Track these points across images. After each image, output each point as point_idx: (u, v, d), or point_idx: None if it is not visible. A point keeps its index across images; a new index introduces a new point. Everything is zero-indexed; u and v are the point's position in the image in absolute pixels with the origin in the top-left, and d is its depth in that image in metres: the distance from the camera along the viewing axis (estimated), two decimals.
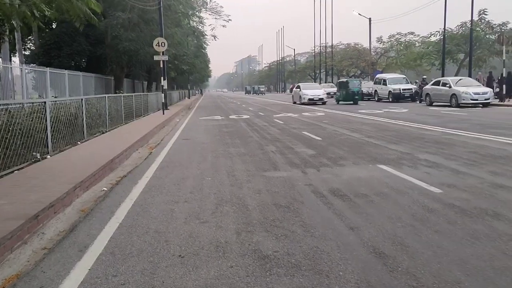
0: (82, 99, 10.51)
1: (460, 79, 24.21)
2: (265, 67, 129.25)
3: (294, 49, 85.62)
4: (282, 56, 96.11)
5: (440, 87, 23.68)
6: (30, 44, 32.92)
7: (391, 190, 5.54)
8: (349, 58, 55.02)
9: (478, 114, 17.58)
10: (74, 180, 5.72)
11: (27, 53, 31.97)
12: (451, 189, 5.47)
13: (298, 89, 33.04)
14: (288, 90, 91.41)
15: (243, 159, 8.28)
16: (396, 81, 30.63)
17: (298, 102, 31.79)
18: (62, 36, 28.50)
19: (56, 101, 9.57)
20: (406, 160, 7.61)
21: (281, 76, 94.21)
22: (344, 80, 34.51)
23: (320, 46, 62.45)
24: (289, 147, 9.83)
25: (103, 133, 12.09)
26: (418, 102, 27.76)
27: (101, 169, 6.89)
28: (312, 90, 32.08)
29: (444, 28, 29.18)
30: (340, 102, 31.44)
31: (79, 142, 10.01)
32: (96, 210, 4.96)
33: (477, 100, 21.27)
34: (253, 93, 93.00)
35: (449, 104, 22.60)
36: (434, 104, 24.61)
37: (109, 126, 13.21)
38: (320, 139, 11.09)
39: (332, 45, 58.22)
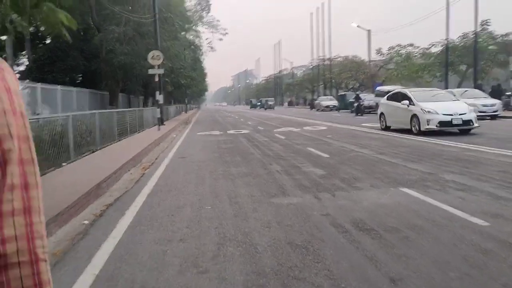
0: (69, 116, 9.64)
1: (466, 91, 23.47)
2: (262, 80, 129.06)
3: (292, 62, 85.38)
4: (280, 69, 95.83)
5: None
6: (24, 59, 32.21)
7: (425, 221, 4.65)
8: (348, 71, 54.47)
9: (489, 128, 16.77)
10: (49, 213, 4.81)
11: (21, 68, 31.27)
12: (498, 220, 4.59)
13: (404, 103, 15.42)
14: (285, 104, 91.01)
15: (246, 181, 7.39)
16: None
17: (415, 129, 14.72)
18: (56, 51, 27.79)
19: (38, 119, 8.70)
20: (431, 181, 6.74)
21: (279, 89, 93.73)
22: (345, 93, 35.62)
23: (318, 59, 62.07)
24: (295, 165, 8.95)
25: (93, 151, 11.19)
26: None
27: (85, 197, 5.99)
28: (441, 103, 14.89)
29: (447, 38, 28.53)
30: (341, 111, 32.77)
31: (64, 164, 9.10)
32: (71, 254, 4.04)
33: (485, 112, 20.49)
34: (260, 108, 75.75)
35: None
36: None
37: (101, 143, 12.33)
38: (328, 156, 10.23)
39: (330, 58, 57.78)
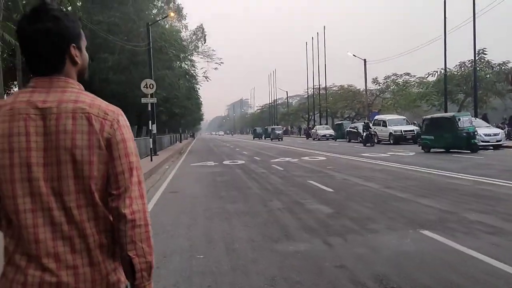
0: None
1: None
2: (257, 110, 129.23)
3: (287, 92, 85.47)
4: (275, 98, 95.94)
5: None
6: (15, 89, 31.58)
7: (463, 277, 3.85)
8: (344, 100, 54.29)
9: (495, 158, 16.13)
10: None
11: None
12: None
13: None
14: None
15: (244, 221, 6.57)
16: (396, 123, 29.45)
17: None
18: None
19: None
20: (453, 222, 5.95)
21: (274, 119, 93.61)
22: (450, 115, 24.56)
23: (313, 88, 61.98)
24: (297, 202, 8.16)
25: None
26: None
27: None
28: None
29: (445, 67, 28.30)
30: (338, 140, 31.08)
31: None
32: None
33: (488, 142, 19.90)
34: (265, 137, 59.86)
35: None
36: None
37: None
38: (332, 190, 9.45)
39: (326, 87, 57.73)
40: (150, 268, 1.33)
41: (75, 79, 1.39)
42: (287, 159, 19.90)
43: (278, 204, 8.03)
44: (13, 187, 1.25)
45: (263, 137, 63.76)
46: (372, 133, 28.91)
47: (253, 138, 59.50)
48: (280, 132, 53.85)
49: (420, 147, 21.18)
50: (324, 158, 19.41)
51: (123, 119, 1.36)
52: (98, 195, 1.30)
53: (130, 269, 1.30)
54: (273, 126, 61.83)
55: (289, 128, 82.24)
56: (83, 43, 1.41)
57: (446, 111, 28.51)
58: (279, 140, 49.54)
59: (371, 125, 29.99)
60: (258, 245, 5.19)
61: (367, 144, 28.02)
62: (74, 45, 1.35)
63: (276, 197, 8.81)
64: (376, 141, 31.40)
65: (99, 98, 1.38)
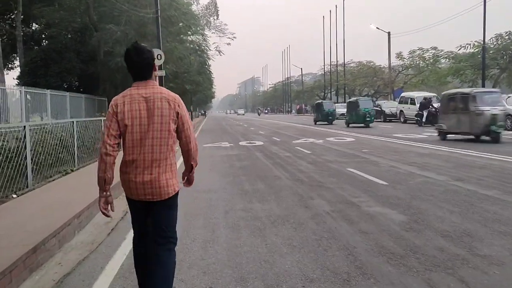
0: (24, 127, 6.85)
1: (509, 97, 20.48)
2: (269, 87, 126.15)
3: (302, 69, 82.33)
4: (288, 75, 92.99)
5: None
6: (16, 62, 29.64)
7: None
8: (363, 77, 51.44)
9: None
10: None
11: (16, 73, 28.70)
12: None
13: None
14: (294, 111, 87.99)
15: (286, 237, 4.54)
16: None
17: None
18: (50, 52, 25.22)
19: None
20: None
21: (288, 96, 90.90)
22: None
23: (330, 65, 59.14)
24: (348, 201, 6.10)
25: (66, 174, 8.41)
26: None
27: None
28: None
29: (484, 36, 25.44)
30: (350, 125, 27.65)
31: (14, 196, 6.32)
32: None
33: None
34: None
35: None
36: None
37: (80, 162, 9.56)
38: (386, 183, 7.37)
39: (344, 63, 54.82)
40: (196, 165, 2.98)
41: (154, 81, 2.87)
42: (310, 140, 17.77)
43: (323, 204, 5.98)
44: (132, 133, 2.71)
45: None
46: (435, 110, 23.39)
47: (316, 122, 33.89)
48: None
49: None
50: (352, 139, 17.24)
51: (182, 102, 2.89)
52: (169, 140, 2.76)
53: (190, 168, 2.98)
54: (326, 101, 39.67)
55: (303, 107, 79.70)
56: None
57: (483, 87, 25.91)
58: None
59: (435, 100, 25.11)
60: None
61: (424, 124, 24.07)
62: (154, 64, 2.84)
63: (317, 193, 6.76)
64: (402, 120, 29.05)
65: (167, 90, 2.87)
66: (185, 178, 3.03)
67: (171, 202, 2.85)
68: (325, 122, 32.68)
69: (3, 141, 6.68)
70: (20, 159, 6.72)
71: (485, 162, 9.56)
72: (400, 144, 14.57)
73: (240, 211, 5.74)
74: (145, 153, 2.69)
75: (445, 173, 8.18)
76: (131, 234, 4.81)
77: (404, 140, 15.74)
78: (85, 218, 5.35)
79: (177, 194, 2.86)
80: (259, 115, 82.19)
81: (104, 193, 2.78)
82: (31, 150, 7.07)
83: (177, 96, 2.83)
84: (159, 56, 17.48)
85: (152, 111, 2.69)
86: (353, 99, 32.24)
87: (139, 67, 2.73)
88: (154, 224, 2.84)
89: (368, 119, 26.38)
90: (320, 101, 39.03)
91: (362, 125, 26.55)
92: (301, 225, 4.95)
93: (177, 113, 2.75)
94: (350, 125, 27.64)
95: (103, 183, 2.74)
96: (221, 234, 4.69)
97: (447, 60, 37.08)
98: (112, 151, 2.68)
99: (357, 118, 26.83)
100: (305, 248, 4.13)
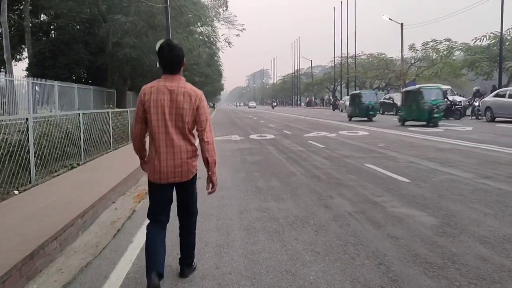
0: (26, 119, 6.51)
1: None
2: (278, 80, 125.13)
3: (311, 61, 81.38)
4: (298, 68, 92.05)
5: (506, 99, 19.36)
6: (24, 53, 29.39)
7: None
8: (375, 69, 50.54)
9: None
10: None
11: (25, 64, 28.45)
12: None
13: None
14: (303, 104, 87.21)
15: (306, 241, 4.15)
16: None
17: None
18: (58, 44, 24.93)
19: None
20: None
21: (297, 89, 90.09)
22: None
23: (341, 57, 58.28)
24: (370, 200, 5.69)
25: (71, 168, 8.08)
26: (472, 117, 23.10)
27: None
28: None
29: (502, 26, 24.63)
30: (353, 119, 26.71)
31: (15, 192, 5.99)
32: None
33: None
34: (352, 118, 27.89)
35: None
36: (496, 119, 20.23)
37: (86, 156, 9.22)
38: (408, 181, 6.93)
39: (355, 54, 53.96)
40: (214, 162, 3.20)
41: (181, 75, 3.16)
42: (322, 133, 17.32)
43: (344, 204, 5.56)
44: (157, 122, 3.02)
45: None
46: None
47: (350, 118, 27.60)
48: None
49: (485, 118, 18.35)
50: (366, 133, 16.75)
51: (203, 96, 3.17)
52: (188, 129, 3.09)
53: (207, 163, 3.17)
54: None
55: (313, 100, 78.97)
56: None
57: (500, 80, 25.17)
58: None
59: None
60: None
61: (472, 117, 23.16)
62: (184, 61, 3.12)
63: (336, 191, 6.35)
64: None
65: (190, 84, 3.16)
66: (208, 184, 3.27)
67: (193, 182, 3.27)
68: (364, 118, 25.73)
69: (5, 134, 6.34)
70: (22, 153, 6.38)
71: (511, 158, 9.07)
72: (417, 138, 14.07)
73: (255, 211, 5.35)
74: (168, 140, 3.04)
75: (470, 170, 7.72)
76: (138, 236, 4.46)
77: (421, 134, 15.23)
78: (89, 217, 5.00)
79: (196, 174, 3.26)
80: (273, 108, 76.01)
81: (142, 160, 3.38)
82: (34, 144, 6.72)
83: (199, 91, 3.15)
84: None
85: (175, 103, 3.03)
86: (356, 92, 29.96)
87: (169, 62, 3.08)
88: (181, 202, 3.35)
89: (371, 113, 25.10)
90: (357, 91, 31.15)
91: (365, 119, 25.68)
92: (322, 227, 4.55)
93: (197, 107, 3.09)
94: (353, 119, 26.73)
95: (139, 156, 3.36)
96: (236, 238, 4.30)
97: (461, 52, 36.13)
98: (140, 134, 3.18)
99: (360, 111, 25.58)
100: (330, 255, 3.73)
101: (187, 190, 3.27)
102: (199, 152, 3.20)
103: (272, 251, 3.87)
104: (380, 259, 3.61)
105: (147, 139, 3.18)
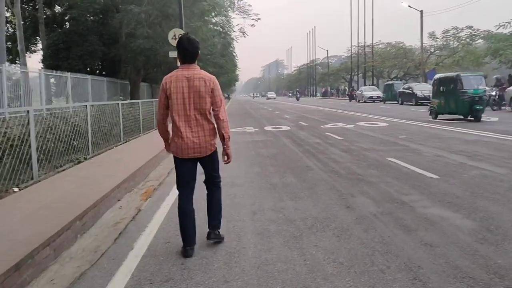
0: (27, 112, 6.14)
1: None
2: (294, 70, 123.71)
3: (327, 51, 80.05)
4: (313, 58, 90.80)
5: None
6: (38, 44, 29.29)
7: None
8: (393, 58, 49.36)
9: None
10: None
11: (39, 56, 28.35)
12: None
13: None
14: (319, 94, 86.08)
15: (328, 249, 3.68)
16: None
17: None
18: (72, 35, 24.69)
19: None
20: None
21: (313, 79, 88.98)
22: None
23: (358, 46, 57.02)
24: (397, 200, 5.17)
25: (78, 163, 7.73)
26: (495, 108, 21.97)
27: None
28: None
29: None
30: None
31: (15, 189, 5.63)
32: None
33: None
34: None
35: None
36: None
37: (95, 149, 8.87)
38: (437, 177, 6.38)
39: (372, 43, 52.78)
40: (229, 137, 3.68)
41: (196, 63, 3.65)
42: (340, 124, 16.74)
43: (367, 203, 5.06)
44: (177, 106, 3.54)
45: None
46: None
47: (436, 116, 17.49)
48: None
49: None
50: (386, 124, 16.11)
51: (216, 80, 3.66)
52: (205, 110, 3.57)
53: (222, 138, 3.66)
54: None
55: (329, 90, 77.88)
56: None
57: None
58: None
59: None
60: None
61: (494, 108, 21.50)
62: (199, 53, 3.65)
63: (358, 188, 5.84)
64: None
65: (205, 71, 3.64)
66: (224, 156, 3.77)
67: (214, 156, 3.78)
68: (468, 116, 16.00)
69: (6, 127, 5.99)
70: (24, 147, 6.02)
71: None
72: (440, 129, 13.41)
73: (270, 211, 4.89)
74: (188, 121, 3.57)
75: (503, 165, 7.13)
76: (140, 242, 4.04)
77: (444, 125, 14.55)
78: (90, 219, 4.61)
79: (216, 150, 3.76)
80: (297, 99, 61.92)
81: (166, 142, 3.88)
82: (36, 137, 6.36)
83: (212, 76, 3.68)
84: (179, 36, 16.60)
85: (192, 88, 3.54)
86: (447, 74, 18.78)
87: (188, 54, 3.61)
88: (206, 173, 3.85)
89: (478, 107, 15.46)
90: (452, 73, 18.53)
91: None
92: (345, 232, 4.07)
93: (212, 89, 3.60)
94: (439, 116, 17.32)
95: (163, 138, 3.90)
96: (248, 244, 3.85)
97: (482, 40, 34.80)
98: (162, 118, 3.73)
99: (458, 106, 15.90)
100: (355, 266, 3.25)
101: (208, 163, 3.79)
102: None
103: (289, 261, 3.41)
104: (414, 272, 3.12)
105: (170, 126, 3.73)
